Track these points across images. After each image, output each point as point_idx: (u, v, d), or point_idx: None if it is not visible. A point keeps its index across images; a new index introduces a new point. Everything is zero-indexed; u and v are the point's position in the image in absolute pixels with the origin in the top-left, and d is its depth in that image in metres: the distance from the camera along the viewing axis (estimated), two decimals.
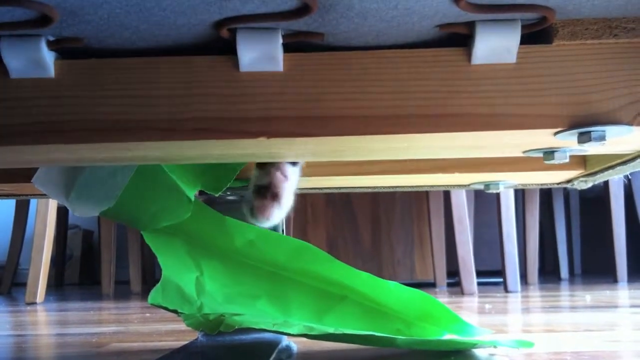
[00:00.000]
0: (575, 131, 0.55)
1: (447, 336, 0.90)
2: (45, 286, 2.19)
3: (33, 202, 2.61)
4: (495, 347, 0.85)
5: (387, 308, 0.90)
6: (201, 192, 0.84)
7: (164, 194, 0.81)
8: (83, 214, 0.82)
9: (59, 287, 3.29)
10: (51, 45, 0.54)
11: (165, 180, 0.79)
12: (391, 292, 0.90)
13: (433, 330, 0.90)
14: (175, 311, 0.86)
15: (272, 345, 0.90)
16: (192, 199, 0.80)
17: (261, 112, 0.55)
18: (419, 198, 2.65)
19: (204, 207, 0.88)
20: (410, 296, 0.90)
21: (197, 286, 0.87)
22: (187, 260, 0.87)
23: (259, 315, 0.89)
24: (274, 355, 0.82)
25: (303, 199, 2.59)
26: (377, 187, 1.02)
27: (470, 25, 0.54)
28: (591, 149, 0.63)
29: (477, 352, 0.85)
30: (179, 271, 0.87)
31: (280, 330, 0.83)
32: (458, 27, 0.54)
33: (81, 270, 3.52)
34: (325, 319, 0.89)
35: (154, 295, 0.85)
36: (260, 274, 0.89)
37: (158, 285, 0.85)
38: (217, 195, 0.83)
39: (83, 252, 3.54)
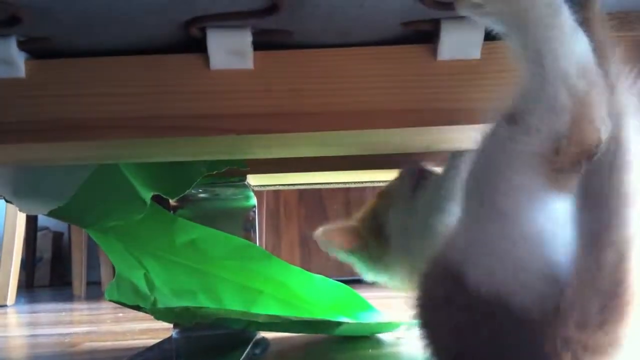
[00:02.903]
0: None
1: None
2: (15, 288, 2.16)
3: (1, 204, 2.57)
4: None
5: (300, 300, 0.97)
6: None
7: (119, 195, 0.81)
8: (30, 211, 0.82)
9: (29, 289, 3.24)
10: (22, 45, 0.55)
11: (122, 182, 0.79)
12: (313, 284, 0.98)
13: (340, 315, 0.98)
14: (136, 307, 0.87)
15: (246, 339, 0.90)
16: (148, 201, 0.81)
17: (231, 109, 0.56)
18: None
19: (154, 206, 0.89)
20: (330, 288, 0.99)
21: (147, 282, 0.88)
22: (129, 257, 0.89)
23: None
24: (248, 350, 0.83)
25: (276, 196, 2.59)
26: (348, 182, 1.03)
27: (435, 23, 0.55)
28: None
29: (383, 336, 0.95)
30: (128, 267, 0.88)
31: (249, 318, 0.86)
32: (423, 24, 0.56)
33: (52, 272, 3.47)
34: (251, 310, 0.93)
35: (110, 291, 0.86)
36: (193, 272, 0.93)
37: (113, 281, 0.86)
38: (173, 199, 0.85)
39: (53, 253, 3.50)
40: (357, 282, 0.85)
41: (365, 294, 1.00)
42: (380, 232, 0.73)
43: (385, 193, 0.77)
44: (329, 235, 0.76)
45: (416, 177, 0.74)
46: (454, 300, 0.45)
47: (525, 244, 0.42)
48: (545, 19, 0.44)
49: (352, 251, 0.76)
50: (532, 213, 0.43)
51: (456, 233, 0.47)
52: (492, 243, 0.44)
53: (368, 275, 0.77)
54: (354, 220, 0.78)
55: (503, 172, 0.44)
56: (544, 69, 0.44)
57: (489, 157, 0.46)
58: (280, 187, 1.12)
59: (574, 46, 0.44)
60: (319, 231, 0.76)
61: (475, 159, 0.47)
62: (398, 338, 0.94)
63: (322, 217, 2.66)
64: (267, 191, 2.46)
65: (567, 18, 0.44)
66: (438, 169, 0.73)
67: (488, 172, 0.45)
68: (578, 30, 0.44)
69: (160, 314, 0.88)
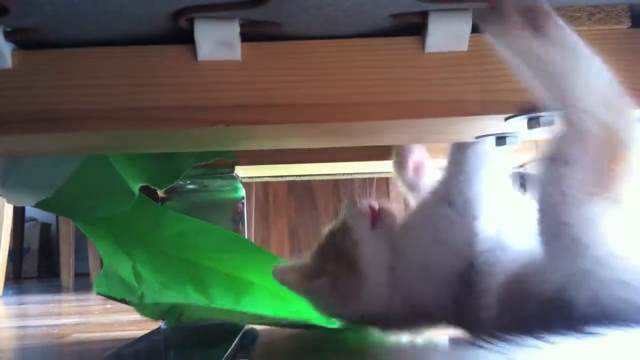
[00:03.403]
0: (525, 117, 0.57)
1: None
2: (3, 280, 2.15)
3: None
4: None
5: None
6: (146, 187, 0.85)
7: (107, 186, 0.81)
8: (18, 203, 0.81)
9: (17, 280, 3.23)
10: (8, 35, 0.54)
11: (110, 173, 0.79)
12: None
13: None
14: (124, 301, 0.87)
15: (234, 330, 0.91)
16: (136, 192, 0.81)
17: (219, 100, 0.56)
18: (379, 186, 2.67)
19: (143, 198, 0.89)
20: None
21: (135, 275, 0.88)
22: (118, 249, 0.89)
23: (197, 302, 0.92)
24: (236, 340, 0.83)
25: (265, 187, 2.59)
26: (337, 174, 1.04)
27: (424, 15, 0.55)
28: (541, 134, 0.65)
29: None
30: (116, 260, 0.88)
31: (235, 320, 0.86)
32: (411, 17, 0.56)
33: (39, 264, 3.47)
34: (242, 302, 0.93)
35: (98, 283, 0.86)
36: (182, 264, 0.93)
37: (101, 273, 0.86)
38: (161, 190, 0.84)
39: (41, 245, 3.49)
40: None
41: None
42: (354, 267, 0.71)
43: (339, 229, 0.75)
44: (284, 276, 0.77)
45: (370, 214, 0.76)
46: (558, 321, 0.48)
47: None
48: (566, 63, 0.49)
49: (310, 290, 0.75)
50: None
51: (542, 268, 0.53)
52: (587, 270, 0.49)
53: (332, 315, 0.78)
54: (307, 258, 0.77)
55: (566, 205, 0.48)
56: (569, 107, 0.50)
57: (550, 195, 0.49)
58: (269, 179, 1.12)
59: (594, 80, 0.49)
60: (275, 272, 0.77)
61: (539, 200, 0.50)
62: None
63: (312, 208, 2.66)
64: (256, 183, 2.45)
65: (585, 58, 0.49)
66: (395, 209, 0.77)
67: (555, 208, 0.49)
68: (596, 63, 0.49)
69: (146, 311, 0.88)
